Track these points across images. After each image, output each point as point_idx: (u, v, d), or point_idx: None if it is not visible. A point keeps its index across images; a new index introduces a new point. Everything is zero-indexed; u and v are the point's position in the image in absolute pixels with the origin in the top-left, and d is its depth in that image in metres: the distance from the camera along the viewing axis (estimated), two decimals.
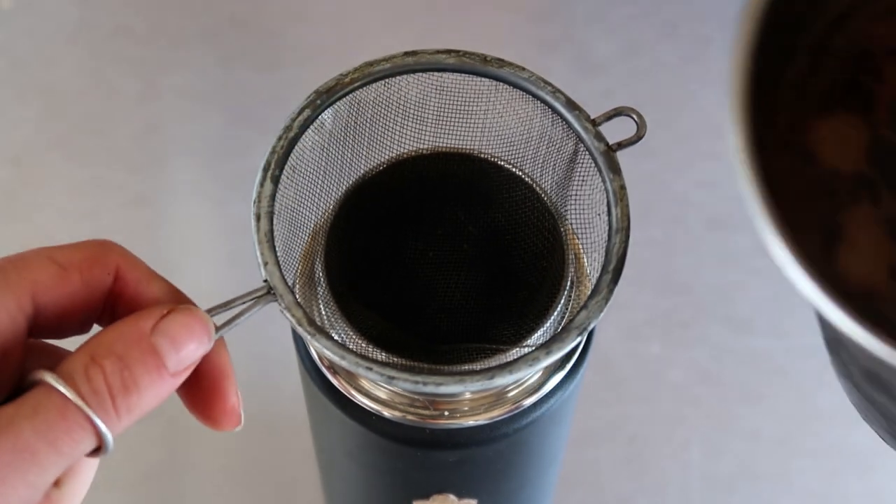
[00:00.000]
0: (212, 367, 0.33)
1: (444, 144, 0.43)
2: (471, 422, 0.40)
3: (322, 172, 0.41)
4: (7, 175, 0.78)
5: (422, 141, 0.43)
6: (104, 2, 0.86)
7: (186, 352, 0.31)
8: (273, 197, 0.37)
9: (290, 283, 0.36)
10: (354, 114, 0.41)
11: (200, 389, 0.33)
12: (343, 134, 0.41)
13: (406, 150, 0.43)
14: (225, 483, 0.70)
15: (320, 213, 0.42)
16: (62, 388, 0.28)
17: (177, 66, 0.83)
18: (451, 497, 0.45)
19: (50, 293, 0.31)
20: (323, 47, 0.84)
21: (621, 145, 0.39)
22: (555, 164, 0.41)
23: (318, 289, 0.40)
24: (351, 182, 0.43)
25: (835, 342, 0.33)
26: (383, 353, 0.38)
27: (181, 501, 0.68)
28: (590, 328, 0.37)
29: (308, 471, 0.63)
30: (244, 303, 0.35)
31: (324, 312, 0.40)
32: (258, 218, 0.37)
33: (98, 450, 0.29)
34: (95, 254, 0.32)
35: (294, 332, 0.42)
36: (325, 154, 0.41)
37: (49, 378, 0.29)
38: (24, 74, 0.83)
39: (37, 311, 0.31)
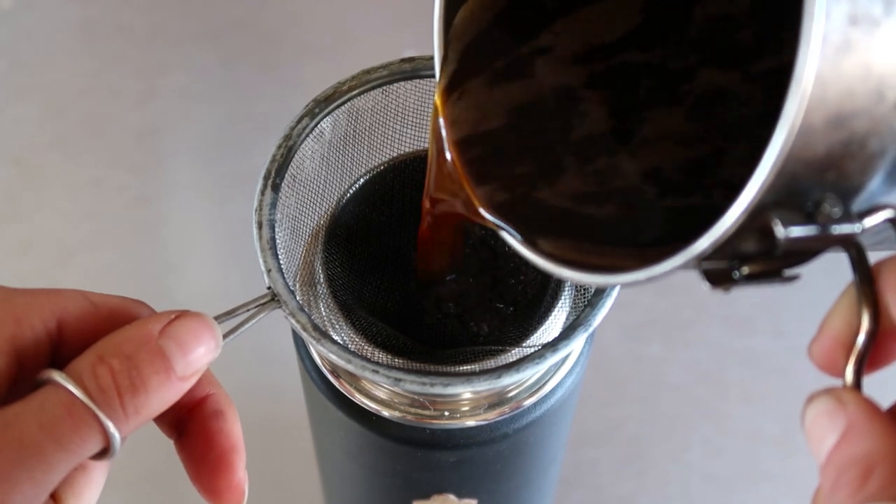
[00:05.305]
0: (224, 437, 0.33)
1: None
2: (471, 422, 0.40)
3: (322, 181, 0.41)
4: (7, 175, 0.78)
5: (420, 148, 0.43)
6: (104, 2, 0.86)
7: (194, 356, 0.31)
8: (274, 205, 0.37)
9: (292, 289, 0.36)
10: (353, 122, 0.41)
11: (208, 460, 0.33)
12: (342, 142, 0.41)
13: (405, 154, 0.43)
14: None
15: (321, 220, 0.42)
16: (69, 386, 0.28)
17: (177, 66, 0.83)
18: (451, 497, 0.44)
19: (77, 323, 0.31)
20: (323, 47, 0.84)
21: None
22: None
23: (319, 290, 0.40)
24: (350, 187, 0.43)
25: None
26: (387, 356, 0.38)
27: (181, 501, 0.68)
28: (596, 325, 0.37)
29: (308, 471, 0.63)
30: (248, 310, 0.35)
31: (325, 315, 0.40)
32: (260, 226, 0.37)
33: (105, 452, 0.29)
34: (128, 304, 0.32)
35: (295, 334, 0.42)
36: (324, 162, 0.41)
37: (56, 376, 0.29)
38: (24, 74, 0.83)
39: (62, 336, 0.31)
